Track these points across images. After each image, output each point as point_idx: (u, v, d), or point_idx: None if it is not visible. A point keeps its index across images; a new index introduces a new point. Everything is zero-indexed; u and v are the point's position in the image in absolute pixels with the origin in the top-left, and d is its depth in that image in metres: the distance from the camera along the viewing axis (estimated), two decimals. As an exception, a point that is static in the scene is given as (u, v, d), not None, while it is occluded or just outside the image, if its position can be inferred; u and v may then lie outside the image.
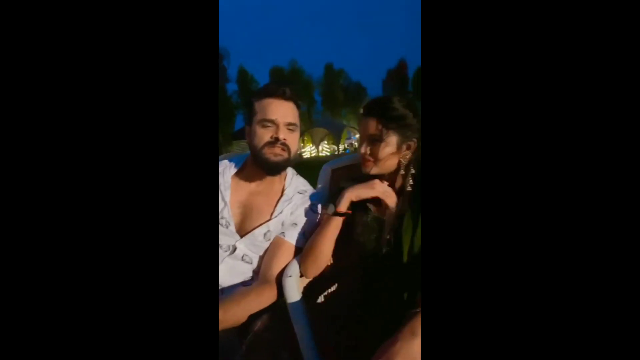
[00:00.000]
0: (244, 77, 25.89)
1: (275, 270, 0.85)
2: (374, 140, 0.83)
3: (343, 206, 0.81)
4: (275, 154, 0.88)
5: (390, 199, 0.80)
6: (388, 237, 0.83)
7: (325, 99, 27.75)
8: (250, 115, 0.92)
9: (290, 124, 0.90)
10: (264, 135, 0.88)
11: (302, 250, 0.86)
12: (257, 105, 0.90)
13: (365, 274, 0.85)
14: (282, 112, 0.89)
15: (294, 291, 0.80)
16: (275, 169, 0.90)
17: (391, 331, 0.65)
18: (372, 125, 0.83)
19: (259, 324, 0.86)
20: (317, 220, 0.93)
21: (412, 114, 0.83)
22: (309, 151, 21.94)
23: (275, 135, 0.87)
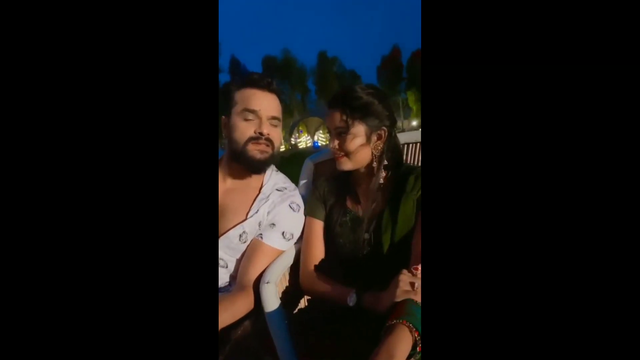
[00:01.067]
0: (236, 68, 25.50)
1: (252, 276, 0.78)
2: (341, 133, 0.77)
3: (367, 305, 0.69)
4: (260, 151, 0.82)
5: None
6: (367, 236, 0.77)
7: (320, 88, 27.44)
8: (229, 105, 0.83)
9: (274, 117, 0.83)
10: (246, 129, 0.81)
11: (306, 277, 0.81)
12: (238, 95, 0.82)
13: (345, 276, 0.79)
14: (265, 104, 0.82)
15: (272, 298, 0.74)
16: (260, 167, 0.84)
17: (373, 336, 0.59)
18: (337, 118, 0.78)
19: (239, 331, 0.80)
20: (300, 221, 0.86)
21: (377, 101, 0.77)
22: (304, 141, 21.81)
23: (259, 130, 0.80)
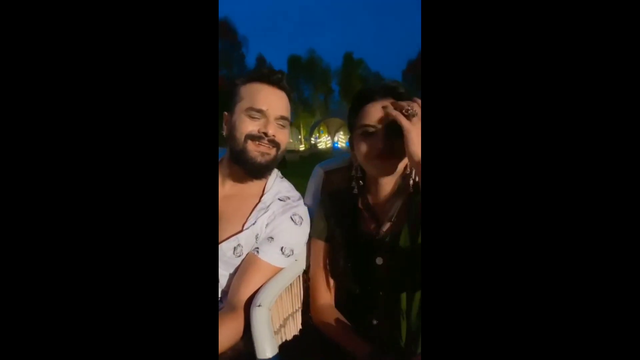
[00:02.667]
0: (262, 66, 25.79)
1: (244, 296, 0.69)
2: (393, 130, 0.61)
3: None
4: (262, 153, 0.73)
5: None
6: (380, 261, 0.66)
7: (343, 89, 27.29)
8: (233, 101, 0.75)
9: (282, 117, 0.74)
10: (248, 126, 0.72)
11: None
12: (244, 90, 0.74)
13: (353, 307, 0.69)
14: (273, 102, 0.73)
15: (262, 325, 0.64)
16: (260, 171, 0.75)
17: None
18: (383, 110, 0.62)
19: (229, 352, 0.71)
20: (302, 236, 0.77)
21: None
22: (324, 141, 21.72)
23: (263, 130, 0.72)
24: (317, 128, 20.72)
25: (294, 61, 26.98)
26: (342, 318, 0.69)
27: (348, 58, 28.01)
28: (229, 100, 0.77)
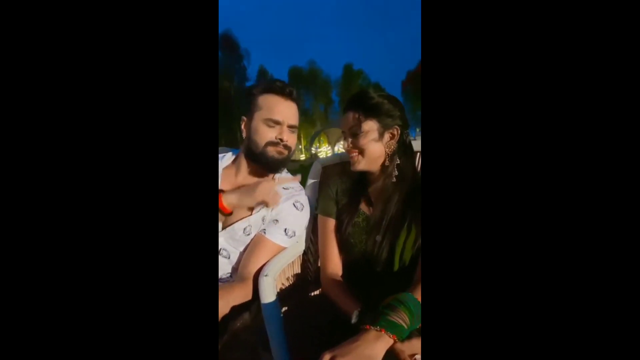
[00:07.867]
0: (263, 77, 26.19)
1: (253, 269, 0.81)
2: (354, 132, 0.80)
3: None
4: (279, 152, 0.88)
5: None
6: (379, 239, 0.77)
7: (343, 99, 27.67)
8: (252, 108, 0.89)
9: (292, 126, 0.89)
10: (267, 133, 0.87)
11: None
12: (262, 100, 0.88)
13: (351, 279, 0.80)
14: (287, 113, 0.88)
15: (269, 291, 0.76)
16: (277, 166, 0.89)
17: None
18: (350, 118, 0.80)
19: (238, 324, 0.82)
20: (303, 220, 0.89)
21: (387, 101, 0.79)
22: (324, 151, 21.90)
23: (279, 137, 0.87)
24: (317, 138, 20.91)
25: (295, 72, 27.44)
26: (343, 283, 0.79)
27: (348, 69, 28.52)
28: (247, 107, 0.91)
